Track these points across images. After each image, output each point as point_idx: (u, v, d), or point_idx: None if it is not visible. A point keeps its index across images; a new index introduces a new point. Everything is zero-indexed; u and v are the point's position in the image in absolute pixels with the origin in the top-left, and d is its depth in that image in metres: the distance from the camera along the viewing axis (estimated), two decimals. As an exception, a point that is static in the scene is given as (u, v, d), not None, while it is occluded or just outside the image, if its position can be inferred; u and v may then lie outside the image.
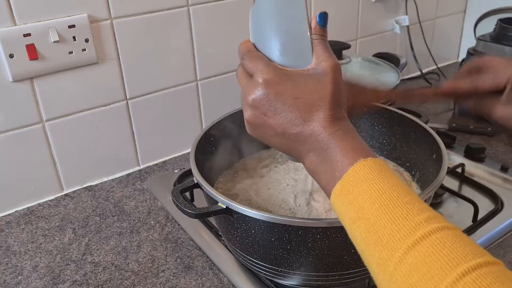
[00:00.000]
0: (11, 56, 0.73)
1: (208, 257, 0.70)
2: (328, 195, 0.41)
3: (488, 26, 1.19)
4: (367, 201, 0.37)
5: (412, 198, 0.37)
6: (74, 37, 0.77)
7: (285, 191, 0.71)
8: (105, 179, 0.91)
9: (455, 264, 0.31)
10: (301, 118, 0.42)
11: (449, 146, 0.96)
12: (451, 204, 0.79)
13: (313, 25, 0.45)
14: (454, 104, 0.60)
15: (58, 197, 0.87)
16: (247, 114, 0.45)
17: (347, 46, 1.01)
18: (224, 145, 0.75)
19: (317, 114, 0.42)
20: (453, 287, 0.30)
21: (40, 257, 0.72)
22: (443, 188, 0.80)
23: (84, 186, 0.89)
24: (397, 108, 0.75)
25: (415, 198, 0.37)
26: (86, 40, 0.79)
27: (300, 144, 0.43)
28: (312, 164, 0.42)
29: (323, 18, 0.45)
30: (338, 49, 1.00)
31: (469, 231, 0.72)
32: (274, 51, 0.45)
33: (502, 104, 0.56)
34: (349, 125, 0.43)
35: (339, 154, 0.40)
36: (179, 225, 0.78)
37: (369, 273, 0.57)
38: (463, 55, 1.22)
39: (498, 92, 0.57)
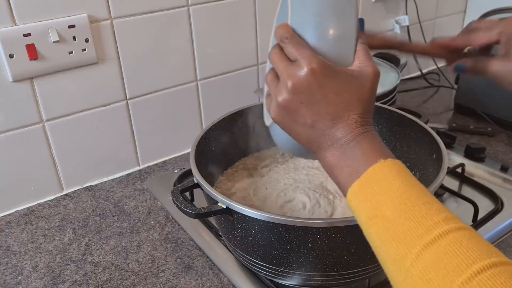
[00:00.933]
0: (11, 56, 0.73)
1: (208, 257, 0.70)
2: (345, 191, 0.42)
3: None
4: (386, 199, 0.38)
5: (430, 199, 0.38)
6: (74, 37, 0.77)
7: (281, 191, 0.71)
8: (105, 179, 0.91)
9: (471, 262, 0.32)
10: (336, 115, 0.43)
11: (449, 146, 0.96)
12: (451, 204, 0.79)
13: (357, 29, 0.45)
14: (448, 63, 0.62)
15: (58, 197, 0.87)
16: (282, 98, 0.44)
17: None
18: (224, 145, 0.75)
19: (352, 114, 0.43)
20: (468, 284, 0.31)
21: (40, 257, 0.72)
22: (443, 188, 0.80)
23: (84, 186, 0.89)
24: (397, 108, 0.75)
25: (433, 199, 0.38)
26: (86, 40, 0.79)
27: (325, 137, 0.43)
28: (334, 158, 0.43)
29: (362, 23, 0.45)
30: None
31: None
32: (317, 43, 0.44)
33: (497, 59, 0.56)
34: (374, 130, 0.44)
35: (361, 154, 0.41)
36: (179, 225, 0.78)
37: (369, 273, 0.58)
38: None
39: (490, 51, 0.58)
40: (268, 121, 0.53)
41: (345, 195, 0.42)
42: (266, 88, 0.49)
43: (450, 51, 0.61)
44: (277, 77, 0.45)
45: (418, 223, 0.36)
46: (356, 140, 0.42)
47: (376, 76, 0.44)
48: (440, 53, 0.62)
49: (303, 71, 0.42)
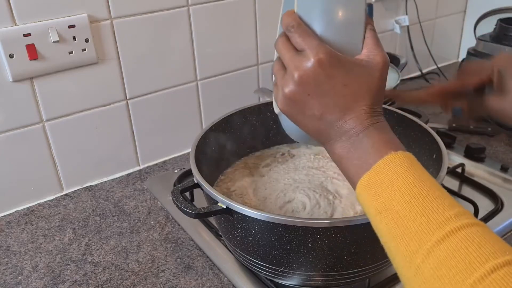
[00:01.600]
0: (11, 56, 0.73)
1: (208, 257, 0.70)
2: (354, 184, 0.41)
3: (488, 26, 1.19)
4: (397, 193, 0.37)
5: (442, 193, 0.37)
6: (74, 37, 0.77)
7: (281, 192, 0.70)
8: (105, 179, 0.91)
9: (484, 260, 0.31)
10: (345, 106, 0.42)
11: (449, 146, 0.96)
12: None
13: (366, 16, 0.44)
14: (444, 108, 0.63)
15: (58, 197, 0.87)
16: (288, 89, 0.43)
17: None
18: (224, 144, 0.75)
19: (361, 105, 0.42)
20: (481, 283, 0.30)
21: (40, 257, 0.72)
22: (443, 188, 0.80)
23: (84, 186, 0.89)
24: (397, 108, 0.75)
25: (445, 194, 0.37)
26: (86, 40, 0.79)
27: (334, 129, 0.43)
28: (343, 150, 0.42)
29: (371, 9, 0.44)
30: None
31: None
32: (324, 31, 0.43)
33: (494, 96, 0.56)
34: (384, 120, 0.43)
35: (371, 145, 0.41)
36: (179, 225, 0.78)
37: (369, 273, 0.58)
38: (463, 55, 1.22)
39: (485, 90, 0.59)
40: (276, 109, 0.52)
41: (354, 188, 0.41)
42: (274, 77, 0.49)
43: (445, 96, 0.61)
44: (283, 67, 0.44)
45: (429, 219, 0.35)
46: (365, 132, 0.41)
47: (386, 64, 0.43)
48: (436, 99, 0.62)
49: (310, 62, 0.41)
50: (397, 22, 1.25)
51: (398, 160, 0.39)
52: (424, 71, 1.34)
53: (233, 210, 0.54)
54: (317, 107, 0.42)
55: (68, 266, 0.70)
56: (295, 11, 0.44)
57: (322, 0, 0.43)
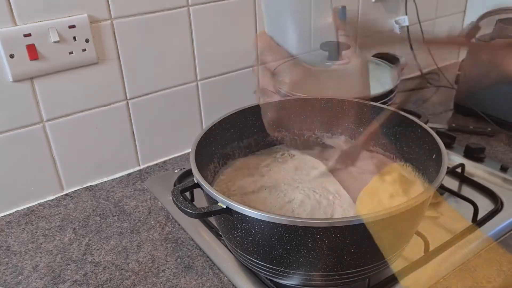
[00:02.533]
0: (11, 56, 0.73)
1: (208, 257, 0.71)
2: None
3: (488, 26, 1.19)
4: None
5: None
6: (74, 37, 0.77)
7: (281, 192, 0.71)
8: (105, 179, 0.91)
9: None
10: None
11: (449, 146, 0.96)
12: (451, 204, 0.79)
13: (335, 21, 0.43)
14: None
15: (58, 197, 0.87)
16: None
17: (347, 47, 1.01)
18: (224, 145, 0.75)
19: None
20: None
21: (41, 257, 0.72)
22: (443, 188, 0.80)
23: (84, 186, 0.90)
24: (397, 108, 0.75)
25: None
26: (86, 40, 0.79)
27: None
28: None
29: (344, 12, 0.43)
30: (338, 49, 0.99)
31: (469, 231, 0.72)
32: (296, 47, 0.43)
33: None
34: None
35: None
36: (179, 225, 0.78)
37: (369, 273, 0.58)
38: (463, 55, 1.22)
39: None
40: None
41: None
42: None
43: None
44: None
45: None
46: None
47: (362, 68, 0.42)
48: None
49: (285, 84, 0.39)
50: (397, 22, 1.25)
51: None
52: (424, 71, 1.34)
53: (233, 210, 0.54)
54: None
55: (69, 266, 0.70)
56: (266, 31, 0.44)
57: (287, 20, 0.42)
